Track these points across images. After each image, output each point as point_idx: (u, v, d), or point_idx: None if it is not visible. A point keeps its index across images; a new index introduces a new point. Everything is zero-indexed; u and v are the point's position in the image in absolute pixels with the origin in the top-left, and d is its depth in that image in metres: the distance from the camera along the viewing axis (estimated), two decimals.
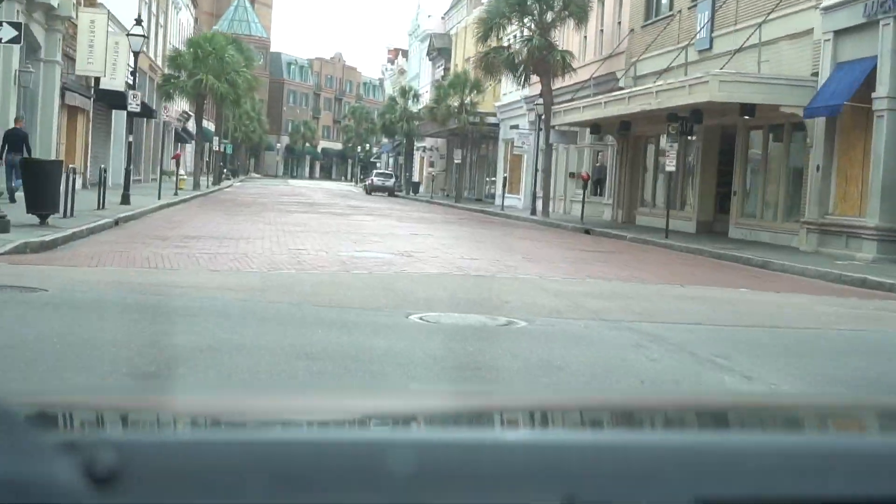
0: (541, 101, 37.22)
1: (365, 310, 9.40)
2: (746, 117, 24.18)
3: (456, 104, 54.25)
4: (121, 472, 0.97)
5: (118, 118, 39.35)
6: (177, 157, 39.74)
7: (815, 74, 22.53)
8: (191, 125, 58.41)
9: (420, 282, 12.26)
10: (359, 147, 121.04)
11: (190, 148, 63.04)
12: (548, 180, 37.77)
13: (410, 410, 1.62)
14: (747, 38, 25.20)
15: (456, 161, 55.40)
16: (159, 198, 30.54)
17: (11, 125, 23.20)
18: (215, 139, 62.39)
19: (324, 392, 2.41)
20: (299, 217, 27.86)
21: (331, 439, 1.21)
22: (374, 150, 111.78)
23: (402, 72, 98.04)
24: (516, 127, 46.79)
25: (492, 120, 54.41)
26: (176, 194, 35.61)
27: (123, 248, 14.99)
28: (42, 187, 16.58)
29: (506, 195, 45.13)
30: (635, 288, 13.06)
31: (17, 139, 22.47)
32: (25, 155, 21.31)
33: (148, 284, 10.37)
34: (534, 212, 36.97)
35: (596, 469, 1.08)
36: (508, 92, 50.43)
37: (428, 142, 71.76)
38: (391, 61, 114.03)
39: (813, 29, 22.96)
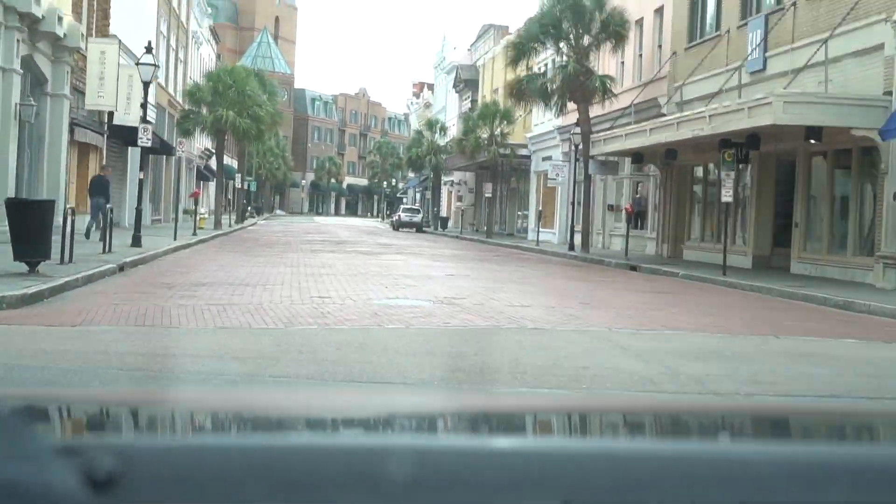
0: (577, 130, 35.08)
1: (406, 386, 7.27)
2: (812, 142, 22.00)
3: (485, 136, 52.33)
4: (120, 477, 0.95)
5: (134, 155, 37.54)
6: (195, 195, 37.77)
7: (889, 93, 20.42)
8: (213, 162, 56.73)
9: (469, 340, 10.11)
10: (385, 182, 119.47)
11: (213, 186, 61.37)
12: (588, 213, 35.64)
13: (411, 415, 1.62)
14: (811, 57, 23.05)
15: (486, 195, 53.36)
16: (175, 238, 28.65)
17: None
18: (237, 176, 60.74)
19: (324, 394, 2.45)
20: (324, 257, 25.82)
21: (330, 444, 1.18)
22: (401, 185, 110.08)
23: (427, 105, 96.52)
24: (549, 158, 44.84)
25: (523, 152, 52.44)
26: (195, 234, 33.78)
27: (121, 299, 12.96)
28: (31, 231, 14.46)
29: (540, 230, 43.04)
30: (726, 342, 10.82)
31: (102, 186, 25.61)
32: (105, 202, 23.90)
33: (131, 353, 8.25)
34: (571, 247, 34.81)
35: (595, 476, 1.03)
36: (540, 122, 48.47)
37: (456, 175, 69.83)
38: (416, 95, 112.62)
39: (884, 44, 20.84)
